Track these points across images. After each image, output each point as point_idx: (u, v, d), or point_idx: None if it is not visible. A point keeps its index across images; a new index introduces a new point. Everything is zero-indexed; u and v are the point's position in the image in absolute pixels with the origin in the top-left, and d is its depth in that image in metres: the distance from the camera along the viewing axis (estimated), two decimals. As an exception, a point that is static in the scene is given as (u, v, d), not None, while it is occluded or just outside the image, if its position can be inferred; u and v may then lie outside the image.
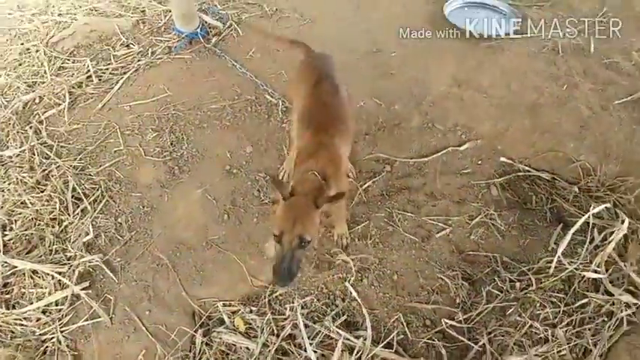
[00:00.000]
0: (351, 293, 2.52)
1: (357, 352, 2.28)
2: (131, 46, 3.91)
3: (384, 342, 2.32)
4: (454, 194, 2.96)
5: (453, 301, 2.51)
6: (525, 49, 3.87)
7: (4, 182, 3.03)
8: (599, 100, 3.41)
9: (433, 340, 2.36)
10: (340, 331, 2.35)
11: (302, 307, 2.49)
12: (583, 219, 2.50)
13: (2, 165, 3.13)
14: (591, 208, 2.52)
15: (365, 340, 2.33)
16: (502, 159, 3.12)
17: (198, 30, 3.92)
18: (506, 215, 2.86)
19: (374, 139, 3.24)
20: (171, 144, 3.20)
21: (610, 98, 3.42)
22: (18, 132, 3.29)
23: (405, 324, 2.42)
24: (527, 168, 3.04)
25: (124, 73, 3.68)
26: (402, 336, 2.39)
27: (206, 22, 4.03)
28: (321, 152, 2.22)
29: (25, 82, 3.63)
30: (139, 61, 3.77)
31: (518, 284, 2.49)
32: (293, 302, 2.50)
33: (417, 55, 3.84)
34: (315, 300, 2.52)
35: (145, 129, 3.32)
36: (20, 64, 3.80)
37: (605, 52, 3.79)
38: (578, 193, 2.89)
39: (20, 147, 3.19)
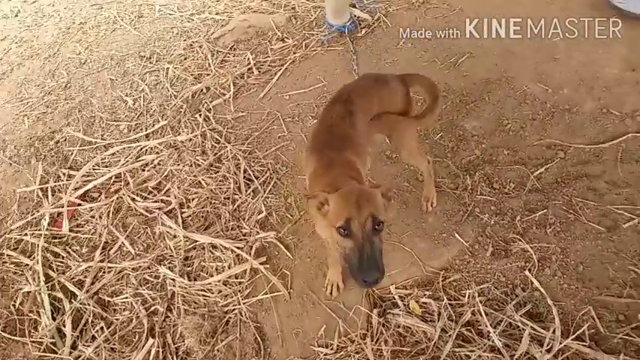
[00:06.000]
0: (532, 283, 2.38)
1: (547, 345, 2.15)
2: (286, 39, 4.07)
3: (574, 335, 2.15)
4: (639, 183, 2.70)
5: (649, 295, 2.28)
6: None
7: (179, 165, 3.26)
8: None
9: (631, 337, 2.15)
10: (526, 321, 2.23)
11: (479, 295, 2.39)
12: None
13: (176, 149, 3.37)
14: None
15: (554, 331, 2.18)
16: (692, 148, 2.80)
17: (348, 23, 3.98)
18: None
19: (542, 125, 3.06)
20: (331, 130, 3.27)
21: None
22: (189, 119, 3.55)
23: (596, 318, 2.23)
24: None
25: (282, 65, 3.84)
26: (592, 330, 2.20)
27: (355, 16, 4.08)
28: (336, 166, 2.00)
29: (192, 75, 3.92)
30: (294, 53, 3.91)
31: None
32: (469, 289, 2.42)
33: (581, 39, 3.56)
34: (493, 288, 2.41)
35: (305, 116, 3.42)
36: (185, 58, 4.10)
37: None
38: None
39: (192, 132, 3.43)
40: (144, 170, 3.29)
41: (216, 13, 4.50)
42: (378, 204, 1.67)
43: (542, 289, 2.34)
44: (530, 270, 2.43)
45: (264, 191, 3.00)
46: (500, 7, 3.91)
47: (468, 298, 2.38)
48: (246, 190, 3.02)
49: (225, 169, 3.14)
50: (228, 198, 3.00)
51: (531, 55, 3.51)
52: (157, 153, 3.37)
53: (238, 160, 3.18)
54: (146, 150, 3.42)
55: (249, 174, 3.10)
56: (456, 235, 2.63)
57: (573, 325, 2.23)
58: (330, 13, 3.98)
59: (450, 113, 3.23)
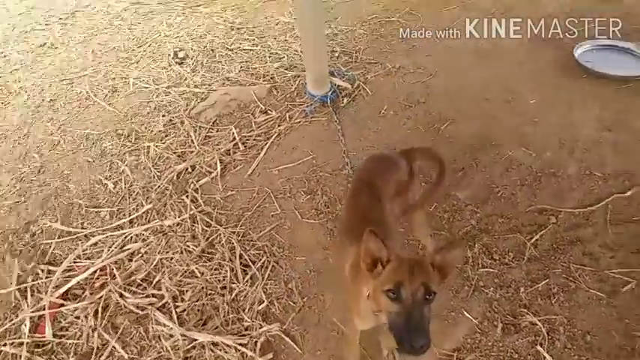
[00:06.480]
0: (545, 358, 2.37)
1: None
2: (269, 112, 4.05)
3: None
4: (630, 244, 2.78)
5: (659, 362, 2.30)
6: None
7: (169, 252, 3.13)
8: None
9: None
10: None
11: (495, 376, 2.36)
12: None
13: (164, 235, 3.23)
14: None
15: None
16: (676, 205, 2.92)
17: (329, 93, 4.04)
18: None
19: (531, 190, 3.13)
20: (325, 205, 3.23)
21: None
22: (175, 201, 3.42)
23: (610, 390, 2.24)
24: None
25: (268, 138, 3.80)
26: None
27: (336, 85, 4.14)
28: None
29: (175, 153, 3.81)
30: (279, 126, 3.89)
31: None
32: (485, 369, 2.39)
33: (556, 100, 3.74)
34: (509, 367, 2.39)
35: (297, 192, 3.37)
36: (167, 135, 4.00)
37: None
38: None
39: (180, 216, 3.31)
40: (130, 260, 3.10)
41: (195, 86, 4.46)
42: (433, 275, 1.60)
43: (555, 364, 2.34)
44: (541, 344, 2.42)
45: (263, 277, 2.89)
46: (471, 68, 4.09)
47: (485, 380, 2.35)
48: (243, 278, 2.90)
49: (220, 255, 3.02)
50: (225, 287, 2.86)
51: (510, 118, 3.63)
52: (144, 240, 3.21)
53: (232, 244, 3.07)
54: (131, 238, 3.25)
55: (245, 259, 2.99)
56: (464, 312, 2.60)
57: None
58: (311, 84, 4.03)
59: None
